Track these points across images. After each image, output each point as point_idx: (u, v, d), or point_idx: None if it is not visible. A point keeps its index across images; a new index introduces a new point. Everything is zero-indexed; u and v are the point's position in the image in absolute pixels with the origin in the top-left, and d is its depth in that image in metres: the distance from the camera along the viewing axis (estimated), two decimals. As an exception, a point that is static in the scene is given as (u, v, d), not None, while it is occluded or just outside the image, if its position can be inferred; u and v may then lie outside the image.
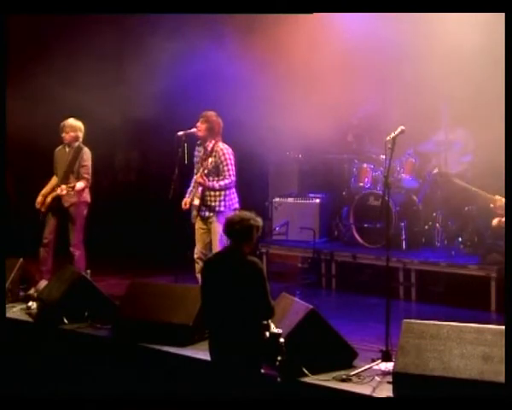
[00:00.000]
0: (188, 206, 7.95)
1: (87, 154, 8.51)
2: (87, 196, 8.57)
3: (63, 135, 8.54)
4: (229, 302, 5.27)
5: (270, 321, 5.29)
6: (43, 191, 8.52)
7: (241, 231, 5.36)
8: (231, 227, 5.43)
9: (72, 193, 8.25)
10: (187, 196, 8.06)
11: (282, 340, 5.27)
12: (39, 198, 8.48)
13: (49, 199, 8.44)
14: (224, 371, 5.26)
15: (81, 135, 8.57)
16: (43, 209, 8.47)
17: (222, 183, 7.81)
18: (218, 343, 5.35)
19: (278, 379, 5.35)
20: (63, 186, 8.20)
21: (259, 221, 5.52)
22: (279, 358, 5.26)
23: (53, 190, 8.42)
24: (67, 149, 8.56)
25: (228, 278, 5.32)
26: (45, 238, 8.49)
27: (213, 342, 5.38)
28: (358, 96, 8.95)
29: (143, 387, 6.24)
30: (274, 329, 5.26)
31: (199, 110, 8.05)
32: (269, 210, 10.18)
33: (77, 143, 8.53)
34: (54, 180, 8.62)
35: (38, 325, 7.38)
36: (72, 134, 8.50)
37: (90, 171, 8.49)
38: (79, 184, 8.32)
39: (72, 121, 8.55)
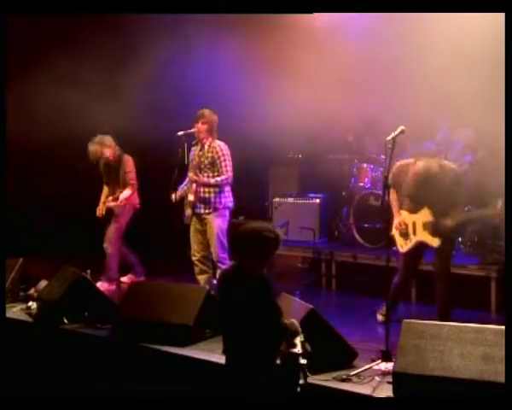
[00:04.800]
0: (176, 199, 7.93)
1: (129, 161, 8.84)
2: (135, 200, 8.94)
3: (103, 156, 8.90)
4: (236, 319, 4.75)
5: (296, 340, 4.53)
6: (102, 200, 8.97)
7: (251, 245, 4.77)
8: (240, 241, 4.84)
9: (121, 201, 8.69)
10: (179, 190, 8.02)
11: (303, 361, 4.49)
12: (100, 208, 8.91)
13: (104, 209, 8.89)
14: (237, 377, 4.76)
15: (111, 150, 8.86)
16: (100, 217, 8.92)
17: (218, 178, 7.81)
18: (232, 359, 4.85)
19: None
20: (111, 199, 8.76)
21: (277, 233, 4.85)
22: (301, 382, 4.46)
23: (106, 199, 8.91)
24: (110, 162, 8.91)
25: (235, 294, 4.78)
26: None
27: (229, 356, 4.88)
28: (358, 97, 8.95)
29: (143, 387, 6.23)
30: (295, 349, 4.51)
31: (198, 110, 8.06)
32: (269, 210, 10.19)
33: (117, 154, 8.86)
34: (105, 190, 9.08)
35: (38, 325, 7.38)
36: (108, 151, 8.84)
37: (134, 176, 8.83)
38: (126, 192, 8.75)
39: (99, 140, 8.86)
